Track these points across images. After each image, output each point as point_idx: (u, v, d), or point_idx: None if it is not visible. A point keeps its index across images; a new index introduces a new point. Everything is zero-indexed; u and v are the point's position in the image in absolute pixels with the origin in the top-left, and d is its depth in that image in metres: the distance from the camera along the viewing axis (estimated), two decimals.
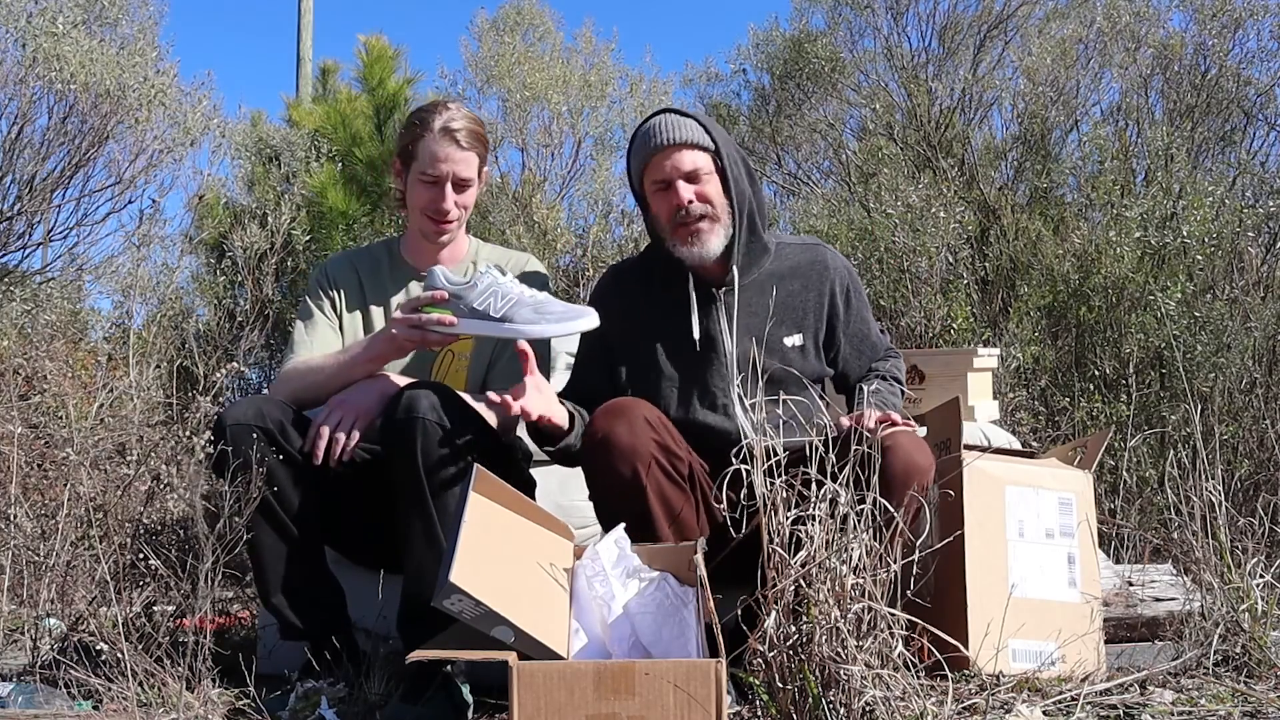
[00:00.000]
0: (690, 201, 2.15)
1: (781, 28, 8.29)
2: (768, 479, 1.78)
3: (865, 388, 2.23)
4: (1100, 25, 6.79)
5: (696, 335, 2.21)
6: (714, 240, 2.18)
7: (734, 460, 1.85)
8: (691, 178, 2.16)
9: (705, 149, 2.16)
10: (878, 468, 1.87)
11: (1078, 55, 6.88)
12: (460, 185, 2.34)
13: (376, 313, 2.41)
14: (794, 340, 2.23)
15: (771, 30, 8.29)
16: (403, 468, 2.04)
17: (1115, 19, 6.70)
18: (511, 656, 1.65)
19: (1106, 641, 2.26)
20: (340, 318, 2.40)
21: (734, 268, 2.22)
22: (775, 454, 1.78)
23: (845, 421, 2.03)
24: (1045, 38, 7.18)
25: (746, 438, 2.12)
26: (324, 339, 2.35)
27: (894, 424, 2.03)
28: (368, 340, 2.26)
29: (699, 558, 1.81)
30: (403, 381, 2.22)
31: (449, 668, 2.04)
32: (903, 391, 2.36)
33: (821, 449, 1.77)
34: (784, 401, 2.07)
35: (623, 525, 1.97)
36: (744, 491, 1.81)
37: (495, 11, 8.09)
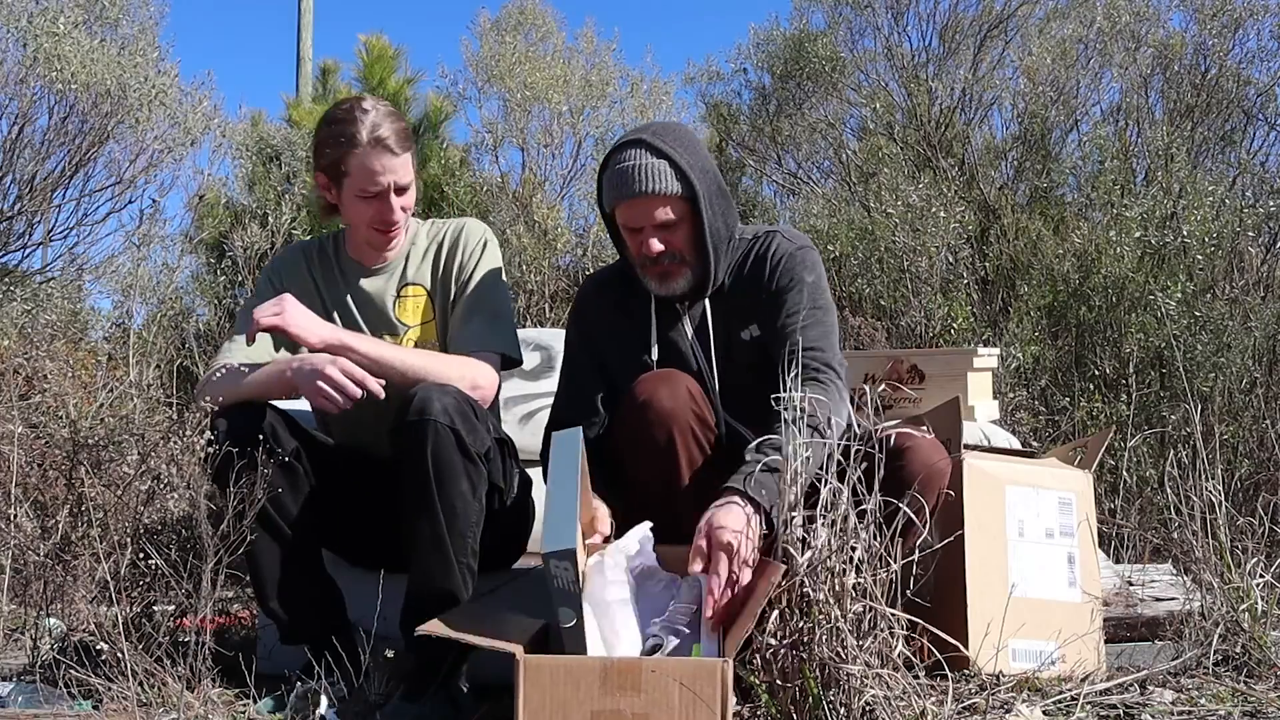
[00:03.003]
0: (660, 252, 2.12)
1: (782, 27, 8.30)
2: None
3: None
4: (1100, 25, 6.80)
5: (655, 357, 2.20)
6: (681, 281, 2.16)
7: (745, 452, 1.86)
8: (663, 227, 2.11)
9: (680, 197, 2.10)
10: (895, 470, 1.87)
11: (1078, 55, 6.89)
12: (401, 190, 2.28)
13: (330, 307, 2.37)
14: (748, 333, 2.19)
15: (772, 29, 8.30)
16: (412, 469, 2.04)
17: (1115, 19, 6.71)
18: (518, 649, 1.64)
19: (1106, 641, 2.26)
20: None
21: (706, 302, 2.19)
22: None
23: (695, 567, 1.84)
24: (1045, 38, 7.19)
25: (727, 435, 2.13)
26: (263, 342, 2.28)
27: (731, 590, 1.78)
28: (282, 369, 2.17)
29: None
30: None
31: (449, 667, 2.04)
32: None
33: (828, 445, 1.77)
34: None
35: (648, 525, 1.94)
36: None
37: (498, 11, 8.11)
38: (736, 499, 1.84)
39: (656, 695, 1.57)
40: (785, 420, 1.81)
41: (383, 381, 2.12)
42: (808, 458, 1.81)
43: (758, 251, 2.21)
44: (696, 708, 1.56)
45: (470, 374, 2.20)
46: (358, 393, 2.08)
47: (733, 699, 1.68)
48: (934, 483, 1.99)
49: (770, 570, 1.75)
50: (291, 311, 2.16)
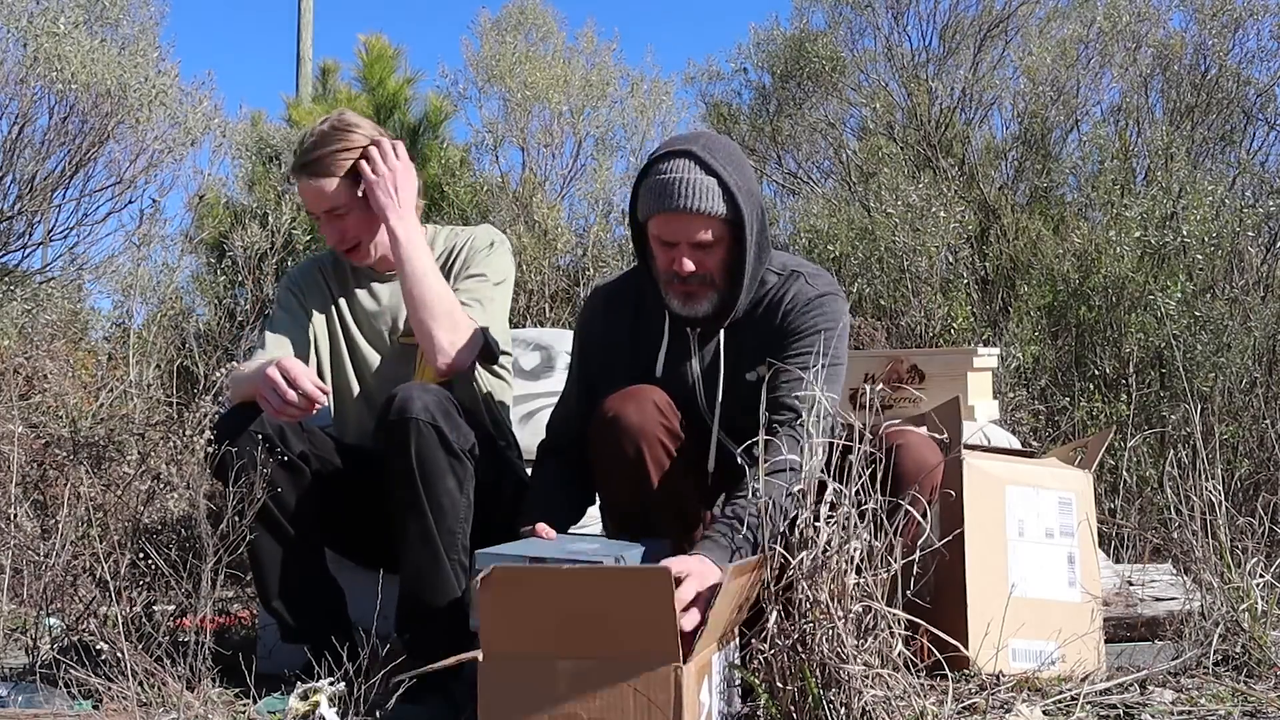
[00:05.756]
0: (690, 272, 2.02)
1: (782, 27, 8.28)
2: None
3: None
4: (1100, 25, 6.79)
5: (659, 374, 2.14)
6: (704, 304, 2.07)
7: (737, 455, 1.85)
8: (699, 246, 2.01)
9: (723, 219, 1.99)
10: (886, 468, 1.87)
11: (1078, 55, 6.88)
12: (333, 215, 2.30)
13: (345, 315, 2.42)
14: (755, 374, 2.11)
15: (772, 29, 8.29)
16: (397, 468, 2.04)
17: (1115, 19, 6.70)
18: (480, 653, 1.65)
19: (1106, 641, 2.26)
20: (311, 320, 2.39)
21: (720, 337, 2.12)
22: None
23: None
24: (1045, 38, 7.18)
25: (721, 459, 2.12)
26: (276, 345, 2.32)
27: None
28: (256, 372, 2.15)
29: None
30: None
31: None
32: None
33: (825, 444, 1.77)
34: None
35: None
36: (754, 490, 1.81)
37: (498, 11, 8.09)
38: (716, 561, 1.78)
39: (611, 700, 1.58)
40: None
41: (327, 390, 2.11)
42: (784, 506, 1.81)
43: (774, 294, 2.12)
44: (651, 713, 1.56)
45: (461, 335, 2.22)
46: (293, 396, 2.03)
47: (705, 698, 1.67)
48: (927, 479, 1.99)
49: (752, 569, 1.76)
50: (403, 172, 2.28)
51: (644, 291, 2.17)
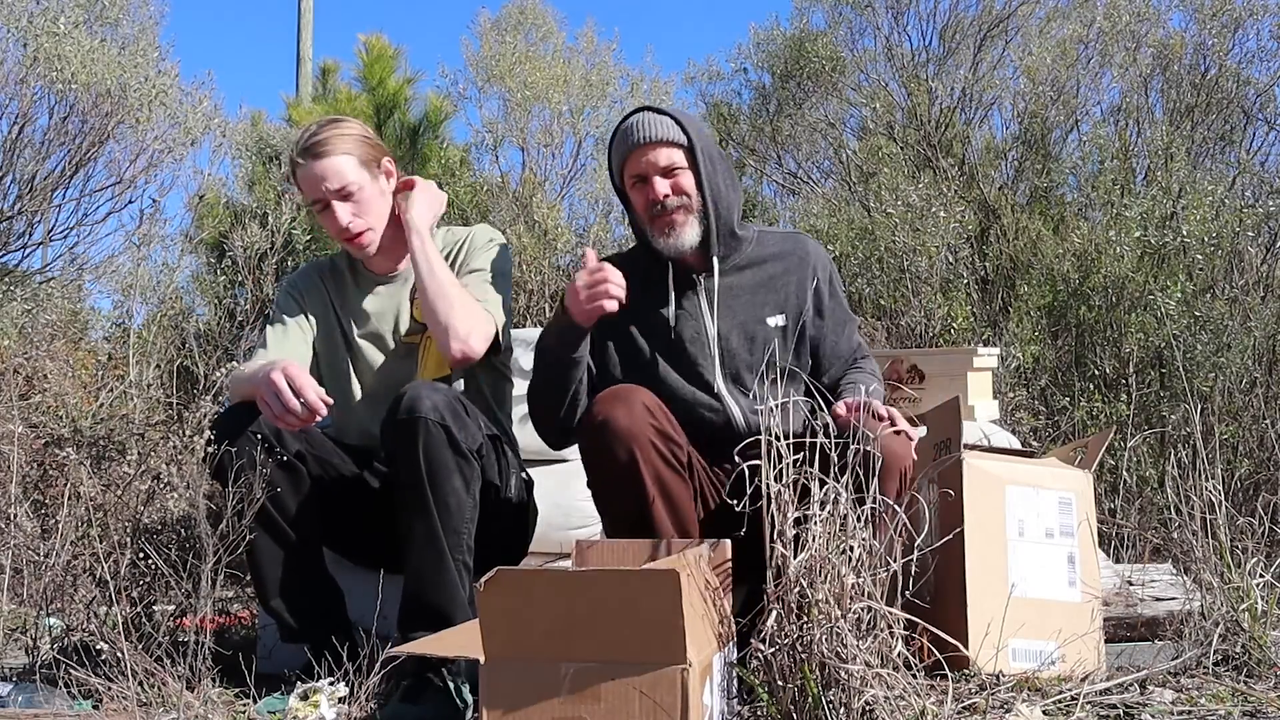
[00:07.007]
0: (666, 195, 2.22)
1: (782, 27, 8.29)
2: (773, 477, 1.78)
3: (863, 385, 2.20)
4: (1100, 25, 6.79)
5: (672, 324, 2.26)
6: (689, 231, 2.24)
7: (734, 453, 1.86)
8: (667, 172, 2.23)
9: (680, 145, 2.23)
10: (854, 459, 1.88)
11: (1078, 55, 6.88)
12: (344, 195, 2.28)
13: (345, 318, 2.42)
14: (777, 320, 2.29)
15: (772, 29, 8.29)
16: (405, 468, 2.04)
17: (1115, 19, 6.70)
18: (483, 655, 1.65)
19: (1106, 641, 2.26)
20: (311, 323, 2.39)
21: (714, 258, 2.27)
22: (780, 440, 1.79)
23: (841, 410, 2.04)
24: (1045, 38, 7.18)
25: (738, 423, 2.22)
26: (277, 346, 2.32)
27: (890, 421, 2.05)
28: (259, 374, 2.13)
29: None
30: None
31: (448, 668, 2.05)
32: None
33: (823, 442, 1.77)
34: (781, 387, 2.17)
35: None
36: (750, 488, 1.82)
37: (498, 11, 8.09)
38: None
39: (616, 703, 1.57)
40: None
41: (329, 401, 2.09)
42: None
43: (791, 250, 2.34)
44: (657, 715, 1.56)
45: (477, 322, 2.23)
46: (296, 405, 2.04)
47: (708, 699, 1.66)
48: (895, 467, 2.00)
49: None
50: (421, 193, 2.34)
51: (646, 255, 2.29)
